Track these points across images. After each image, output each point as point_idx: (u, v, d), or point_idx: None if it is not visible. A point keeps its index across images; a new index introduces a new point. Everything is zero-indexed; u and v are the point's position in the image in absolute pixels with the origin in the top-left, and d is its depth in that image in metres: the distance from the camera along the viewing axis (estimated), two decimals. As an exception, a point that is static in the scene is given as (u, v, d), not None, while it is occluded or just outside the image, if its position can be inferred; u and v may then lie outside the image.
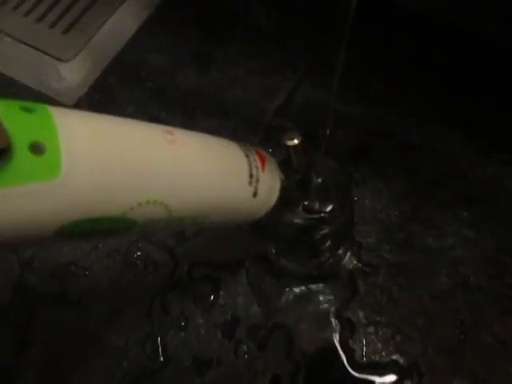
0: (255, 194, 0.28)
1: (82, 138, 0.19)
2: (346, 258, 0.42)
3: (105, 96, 0.53)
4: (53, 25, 0.57)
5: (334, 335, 0.40)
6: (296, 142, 0.28)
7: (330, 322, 0.40)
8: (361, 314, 0.40)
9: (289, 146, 0.28)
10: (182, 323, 0.41)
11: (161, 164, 0.22)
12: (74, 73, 0.54)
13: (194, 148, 0.26)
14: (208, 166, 0.26)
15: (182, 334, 0.41)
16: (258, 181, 0.28)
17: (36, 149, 0.16)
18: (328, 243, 0.38)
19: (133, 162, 0.21)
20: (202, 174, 0.25)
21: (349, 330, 0.40)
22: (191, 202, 0.25)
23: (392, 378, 0.38)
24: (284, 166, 0.32)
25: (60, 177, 0.17)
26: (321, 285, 0.41)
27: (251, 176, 0.28)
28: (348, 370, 0.38)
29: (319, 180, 0.35)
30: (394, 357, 0.38)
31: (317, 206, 0.35)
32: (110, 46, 0.56)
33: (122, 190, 0.20)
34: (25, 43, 0.56)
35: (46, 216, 0.17)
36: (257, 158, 0.30)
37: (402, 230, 0.43)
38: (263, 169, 0.29)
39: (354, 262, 0.42)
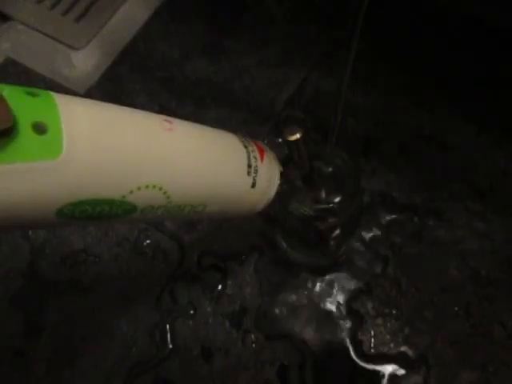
0: (254, 185, 0.29)
1: (82, 122, 0.19)
2: (355, 249, 0.42)
3: (116, 84, 0.53)
4: (65, 13, 0.57)
5: (342, 326, 0.40)
6: (298, 136, 0.28)
7: (339, 313, 0.40)
8: (369, 306, 0.40)
9: (290, 140, 0.28)
10: (191, 312, 0.42)
11: (159, 150, 0.23)
12: (86, 61, 0.54)
13: (192, 136, 0.26)
14: (206, 154, 0.26)
15: (191, 322, 0.41)
16: (256, 171, 0.29)
17: (38, 129, 0.17)
18: (336, 234, 0.38)
19: (131, 147, 0.21)
20: (199, 162, 0.26)
21: (357, 321, 0.40)
22: (189, 189, 0.25)
23: (400, 369, 0.38)
24: (290, 159, 0.32)
25: (61, 157, 0.18)
26: (329, 275, 0.41)
27: (249, 166, 0.28)
28: (356, 361, 0.38)
29: (328, 170, 0.35)
30: (403, 349, 0.38)
31: (325, 196, 0.35)
32: (121, 35, 0.56)
33: (120, 173, 0.21)
34: (37, 30, 0.56)
35: (47, 194, 0.18)
36: (256, 149, 0.30)
37: (412, 222, 0.42)
38: (262, 160, 0.30)
39: (364, 254, 0.42)
